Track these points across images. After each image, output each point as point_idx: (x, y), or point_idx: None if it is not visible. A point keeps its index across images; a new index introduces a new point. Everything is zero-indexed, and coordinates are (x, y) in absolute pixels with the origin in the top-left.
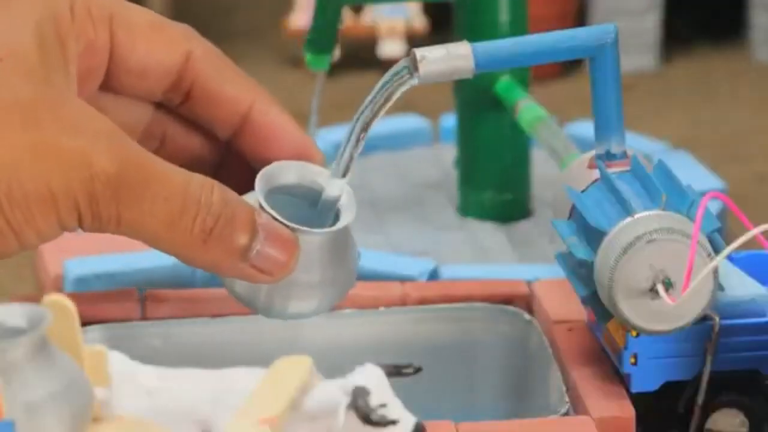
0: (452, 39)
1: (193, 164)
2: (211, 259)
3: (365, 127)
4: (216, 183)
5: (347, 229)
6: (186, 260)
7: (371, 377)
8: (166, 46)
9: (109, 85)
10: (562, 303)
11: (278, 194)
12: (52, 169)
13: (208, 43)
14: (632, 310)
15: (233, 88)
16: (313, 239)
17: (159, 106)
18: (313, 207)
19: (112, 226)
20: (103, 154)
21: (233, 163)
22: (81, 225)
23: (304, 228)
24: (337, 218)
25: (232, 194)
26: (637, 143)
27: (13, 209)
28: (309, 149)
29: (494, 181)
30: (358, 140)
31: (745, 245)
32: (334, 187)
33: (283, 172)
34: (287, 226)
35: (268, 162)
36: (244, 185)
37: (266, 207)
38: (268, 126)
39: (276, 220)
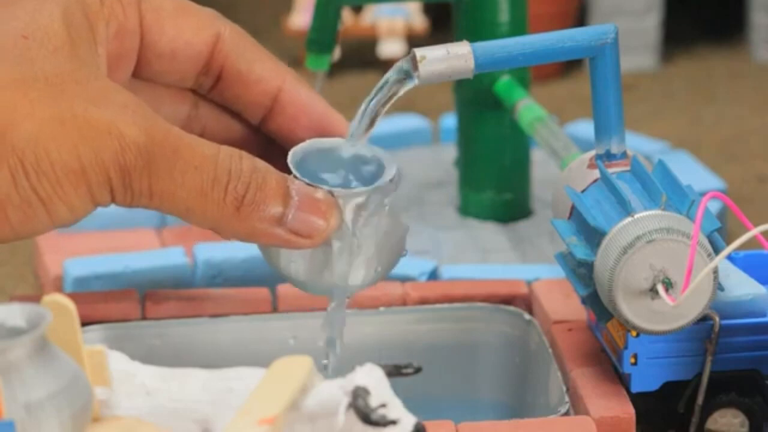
0: (452, 39)
1: None
2: (245, 227)
3: (366, 132)
4: (243, 152)
5: (385, 191)
6: (221, 231)
7: (371, 377)
8: (195, 28)
9: (141, 71)
10: (562, 303)
11: (311, 167)
12: (81, 140)
13: (236, 25)
14: (632, 310)
15: (263, 68)
16: (348, 200)
17: (195, 97)
18: (347, 176)
19: (145, 198)
20: (132, 125)
21: (265, 151)
22: (114, 199)
23: (338, 189)
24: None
25: (261, 162)
26: (637, 143)
27: (41, 180)
28: (340, 126)
29: (494, 181)
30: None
31: (745, 245)
32: (366, 149)
33: (314, 145)
34: (322, 189)
35: (300, 142)
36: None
37: (298, 174)
38: (299, 104)
39: (309, 185)
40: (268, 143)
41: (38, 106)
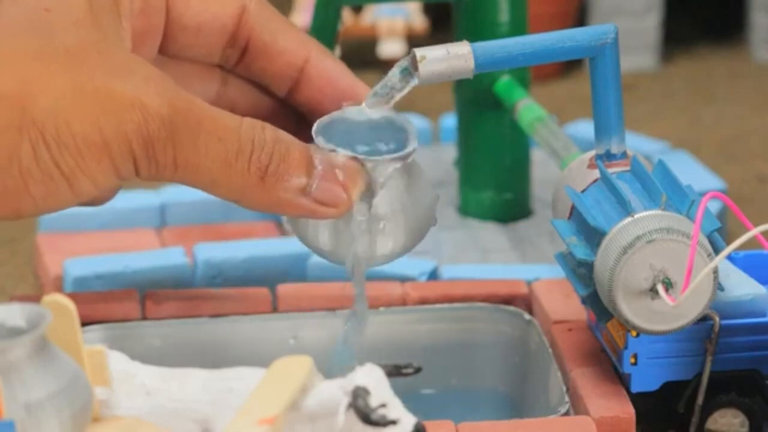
0: (452, 39)
1: None
2: (270, 198)
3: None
4: (266, 123)
5: (412, 160)
6: (246, 202)
7: (371, 377)
8: (219, 1)
9: (168, 47)
10: (562, 303)
11: (336, 137)
12: (102, 112)
13: None
14: (632, 310)
15: (288, 41)
16: (375, 167)
17: (223, 73)
18: (373, 144)
19: (169, 171)
20: (155, 96)
21: (294, 124)
22: (137, 171)
23: (363, 156)
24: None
25: (283, 133)
26: (637, 143)
27: (63, 153)
28: (365, 93)
29: (494, 181)
30: None
31: (745, 245)
32: (392, 116)
33: (339, 115)
34: (346, 156)
35: (327, 113)
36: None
37: (322, 142)
38: (326, 75)
39: (332, 151)
40: (297, 117)
41: (59, 78)
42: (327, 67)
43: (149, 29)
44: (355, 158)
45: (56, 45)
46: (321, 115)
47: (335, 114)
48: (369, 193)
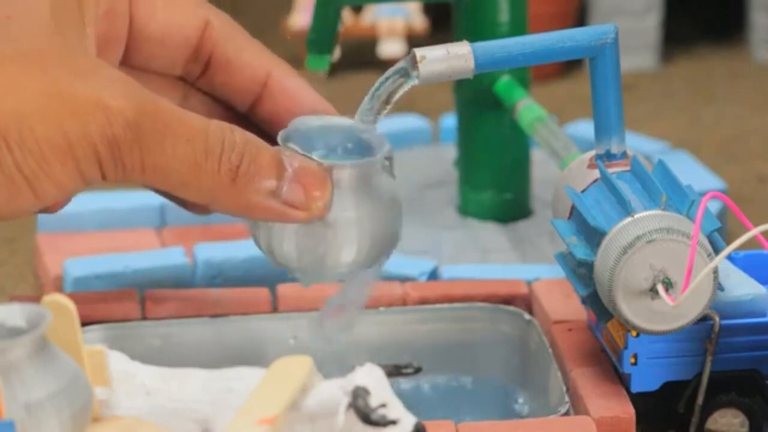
0: (452, 39)
1: None
2: (241, 200)
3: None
4: (235, 126)
5: (377, 167)
6: (218, 205)
7: (371, 377)
8: (184, 13)
9: (131, 57)
10: (562, 303)
11: (302, 143)
12: (66, 114)
13: (224, 13)
14: (632, 310)
15: (251, 55)
16: (343, 172)
17: (186, 86)
18: (338, 152)
19: (137, 173)
20: (120, 98)
21: None
22: (104, 174)
23: (332, 161)
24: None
25: (252, 135)
26: (637, 143)
27: (26, 156)
28: (329, 112)
29: (494, 181)
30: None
31: (745, 245)
32: (358, 126)
33: (304, 122)
34: (315, 161)
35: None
36: None
37: (291, 146)
38: (288, 92)
39: (303, 154)
40: (258, 133)
41: (22, 82)
42: (290, 84)
43: (113, 36)
44: (323, 163)
45: (19, 50)
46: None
47: (303, 122)
48: (336, 199)
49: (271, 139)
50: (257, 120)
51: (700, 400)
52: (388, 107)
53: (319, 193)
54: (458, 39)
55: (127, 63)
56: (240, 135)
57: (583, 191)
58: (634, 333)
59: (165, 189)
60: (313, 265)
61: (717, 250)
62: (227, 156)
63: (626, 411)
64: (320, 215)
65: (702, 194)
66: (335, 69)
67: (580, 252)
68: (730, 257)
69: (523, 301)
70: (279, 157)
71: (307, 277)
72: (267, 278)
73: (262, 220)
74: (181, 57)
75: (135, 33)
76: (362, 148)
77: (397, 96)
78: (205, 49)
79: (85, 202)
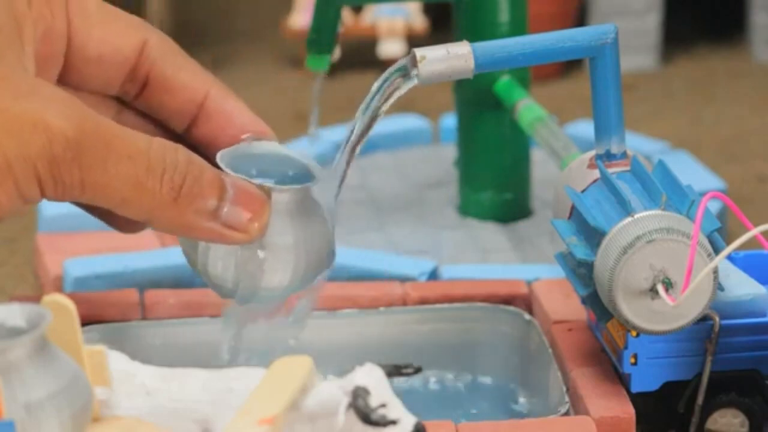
0: (452, 39)
1: None
2: (182, 219)
3: (364, 132)
4: (179, 145)
5: (313, 198)
6: (158, 223)
7: (371, 377)
8: (122, 33)
9: (67, 77)
10: (562, 303)
11: (239, 168)
12: (5, 134)
13: (163, 33)
14: (632, 310)
15: (188, 76)
16: (281, 196)
17: (119, 105)
18: (274, 176)
19: (77, 191)
20: (60, 118)
21: None
22: (43, 193)
23: (272, 185)
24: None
25: (195, 155)
26: (637, 143)
27: None
28: (265, 134)
29: (494, 181)
30: (355, 145)
31: (745, 245)
32: (290, 152)
33: (240, 149)
34: (255, 184)
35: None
36: None
37: (230, 171)
38: (225, 113)
39: (243, 179)
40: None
41: None
42: (226, 105)
43: (50, 56)
44: (263, 186)
45: None
46: (218, 151)
47: (239, 146)
48: (273, 222)
49: (207, 161)
50: (193, 141)
51: (700, 400)
52: (387, 107)
53: (258, 216)
54: (458, 39)
55: (63, 82)
56: (183, 154)
57: (583, 191)
58: (634, 333)
59: (105, 206)
60: (248, 288)
61: (717, 250)
62: (170, 175)
63: (626, 411)
64: (258, 237)
65: (702, 194)
66: (335, 69)
67: (580, 252)
68: (730, 257)
69: (523, 301)
70: (221, 179)
71: (240, 299)
72: None
73: (200, 240)
74: (118, 77)
75: (72, 53)
76: (297, 174)
77: (396, 96)
78: (143, 69)
79: None
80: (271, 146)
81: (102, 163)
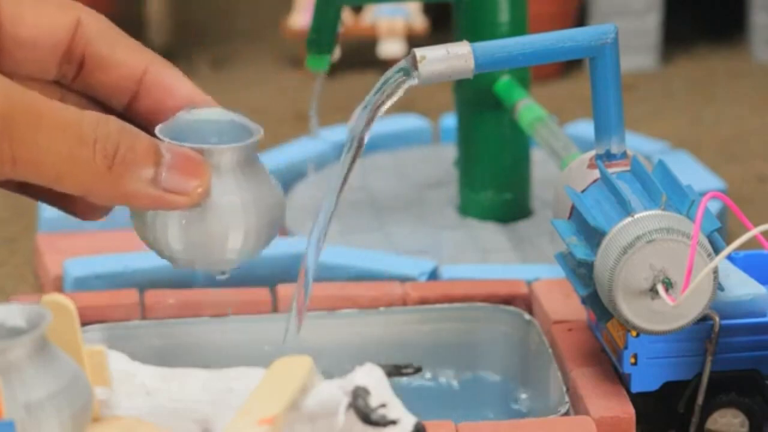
0: (452, 39)
1: None
2: (120, 188)
3: (365, 130)
4: (111, 116)
5: (257, 158)
6: (96, 195)
7: (371, 377)
8: (54, 15)
9: (2, 64)
10: (562, 303)
11: (179, 135)
12: None
13: (97, 12)
14: (632, 310)
15: (125, 53)
16: (222, 157)
17: (61, 90)
18: (216, 141)
19: (8, 167)
20: None
21: None
22: None
23: (210, 146)
24: None
25: (128, 124)
26: (637, 143)
27: None
28: (206, 102)
29: (494, 181)
30: (359, 142)
31: (745, 245)
32: (230, 116)
33: (180, 117)
34: (192, 147)
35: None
36: None
37: (167, 138)
38: (164, 86)
39: (178, 144)
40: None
41: None
42: (165, 78)
43: None
44: (200, 149)
45: None
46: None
47: (179, 115)
48: (215, 185)
49: (150, 136)
50: (135, 118)
51: (700, 400)
52: (387, 107)
53: (198, 178)
54: (458, 39)
55: None
56: (115, 123)
57: (583, 191)
58: (634, 333)
59: (39, 182)
60: (201, 254)
61: (717, 250)
62: (102, 144)
63: (626, 411)
64: (201, 200)
65: (702, 194)
66: (335, 69)
67: (580, 252)
68: (730, 257)
69: (523, 301)
70: (156, 144)
71: (194, 266)
72: (267, 278)
73: (142, 209)
74: (54, 59)
75: (5, 39)
76: (240, 136)
77: (396, 96)
78: (78, 49)
79: None
80: (211, 112)
81: (33, 137)
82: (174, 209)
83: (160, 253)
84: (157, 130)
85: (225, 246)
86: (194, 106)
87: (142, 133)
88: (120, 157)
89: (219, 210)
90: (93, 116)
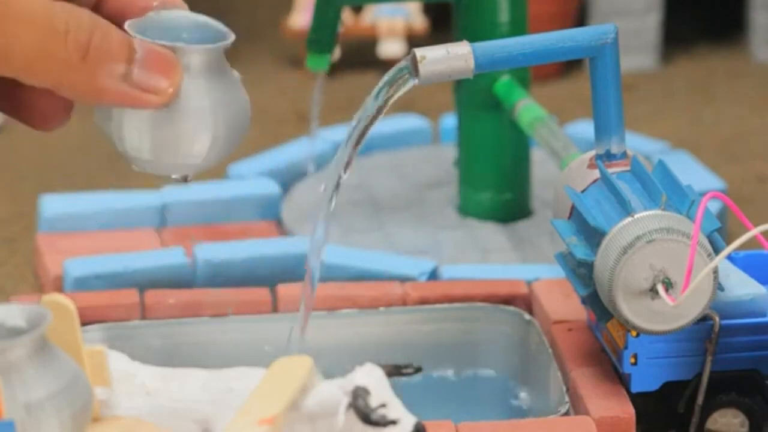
0: (452, 39)
1: None
2: (92, 82)
3: (364, 130)
4: (83, 8)
5: (226, 64)
6: (67, 88)
7: (371, 377)
8: None
9: None
10: (562, 303)
11: (150, 34)
12: None
13: None
14: (632, 310)
15: None
16: (193, 57)
17: None
18: (186, 40)
19: None
20: None
21: None
22: None
23: (182, 45)
24: None
25: (101, 18)
26: (637, 143)
27: None
28: (175, 3)
29: (494, 181)
30: (357, 142)
31: (745, 245)
32: (201, 18)
33: (151, 17)
34: (164, 45)
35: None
36: None
37: (138, 35)
38: None
39: (150, 41)
40: None
41: None
42: None
43: None
44: (173, 47)
45: None
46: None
47: (148, 15)
48: (186, 84)
49: None
50: (104, 17)
51: (700, 400)
52: (387, 107)
53: (170, 76)
54: (458, 39)
55: None
56: (87, 15)
57: (583, 191)
58: (634, 333)
59: (9, 74)
60: (166, 156)
61: (717, 250)
62: (74, 35)
63: (626, 411)
64: (171, 99)
65: (702, 194)
66: (335, 69)
67: (580, 252)
68: (730, 257)
69: (523, 301)
70: (129, 40)
71: (159, 168)
72: (267, 278)
73: (112, 105)
74: None
75: None
76: (210, 37)
77: (397, 96)
78: None
79: (85, 202)
80: (181, 14)
81: (2, 27)
82: (144, 107)
83: (123, 153)
84: (127, 25)
85: (191, 149)
86: (164, 7)
87: (115, 28)
88: (94, 49)
89: (188, 111)
90: (65, 6)
